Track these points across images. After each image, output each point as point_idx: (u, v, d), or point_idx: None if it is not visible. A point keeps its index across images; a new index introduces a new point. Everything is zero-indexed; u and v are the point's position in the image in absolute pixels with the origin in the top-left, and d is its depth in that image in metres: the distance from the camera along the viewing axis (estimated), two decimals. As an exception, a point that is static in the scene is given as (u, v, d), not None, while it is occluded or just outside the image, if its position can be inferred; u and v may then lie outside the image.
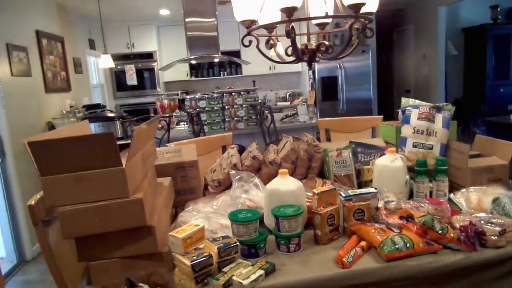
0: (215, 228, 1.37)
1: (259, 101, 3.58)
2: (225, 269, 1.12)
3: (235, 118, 3.57)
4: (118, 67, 5.58)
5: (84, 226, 1.04)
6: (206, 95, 3.50)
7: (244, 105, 3.52)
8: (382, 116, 2.59)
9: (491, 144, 1.76)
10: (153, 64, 5.77)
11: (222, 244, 1.14)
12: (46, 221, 1.27)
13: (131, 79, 5.39)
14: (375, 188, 1.43)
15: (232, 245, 1.15)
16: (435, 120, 1.75)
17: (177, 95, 5.56)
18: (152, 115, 5.70)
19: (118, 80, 5.72)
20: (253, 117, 3.56)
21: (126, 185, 1.06)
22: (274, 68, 6.15)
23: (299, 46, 1.42)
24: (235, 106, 3.53)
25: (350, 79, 5.57)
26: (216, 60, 4.21)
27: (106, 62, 3.90)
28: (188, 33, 3.77)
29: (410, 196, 1.59)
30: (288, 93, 6.36)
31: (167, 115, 3.62)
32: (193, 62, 4.90)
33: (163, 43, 6.01)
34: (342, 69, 5.52)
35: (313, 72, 5.64)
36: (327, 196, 1.34)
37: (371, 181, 1.75)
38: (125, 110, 5.53)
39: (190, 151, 1.81)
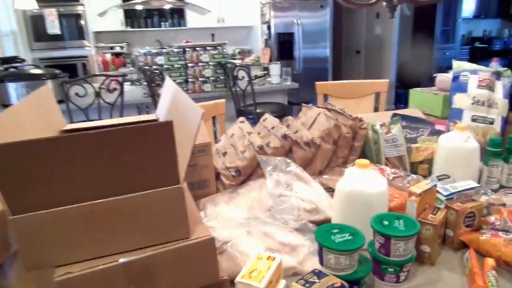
0: (273, 248, 0.93)
1: (227, 58, 3.04)
2: (333, 330, 0.71)
3: (200, 79, 3.00)
4: (34, 10, 4.48)
5: (109, 301, 0.54)
6: (164, 50, 2.85)
7: (210, 63, 2.95)
8: (387, 81, 2.28)
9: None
10: (79, 8, 4.74)
11: (327, 291, 0.72)
12: None
13: (53, 26, 4.37)
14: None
15: (340, 290, 0.73)
16: (495, 89, 1.46)
17: (120, 47, 4.64)
18: (80, 72, 4.78)
19: (34, 28, 4.62)
20: (221, 77, 3.02)
21: (186, 217, 0.57)
22: (223, 21, 5.50)
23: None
24: (200, 64, 2.95)
25: (307, 37, 5.20)
26: (167, 6, 3.50)
27: (25, 0, 2.92)
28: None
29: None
30: (237, 50, 5.79)
31: (111, 73, 2.91)
32: (139, 7, 4.08)
33: (90, -17, 4.94)
34: (299, 25, 5.10)
35: (268, 27, 5.15)
36: (427, 197, 0.98)
37: (420, 162, 1.43)
38: (46, 65, 4.53)
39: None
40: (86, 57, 4.82)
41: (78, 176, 0.50)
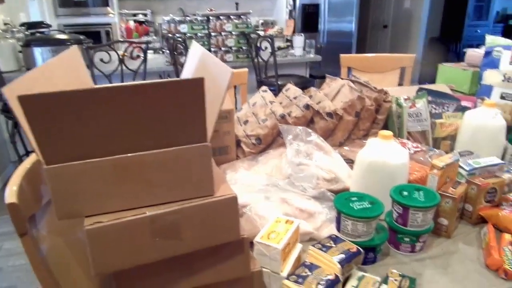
0: (291, 214, 0.95)
1: (251, 29, 3.00)
2: (347, 292, 0.73)
3: (223, 48, 2.98)
4: (58, -25, 4.49)
5: (134, 252, 0.57)
6: (187, 17, 2.83)
7: (234, 33, 2.92)
8: (414, 55, 2.21)
9: None
10: (103, -26, 4.71)
11: (343, 255, 0.74)
12: (30, 219, 0.75)
13: (77, -8, 4.37)
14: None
15: (356, 255, 0.75)
16: (528, 65, 1.40)
17: (144, 15, 4.61)
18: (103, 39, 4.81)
19: (59, -7, 4.64)
20: (243, 48, 2.99)
21: (211, 174, 0.59)
22: (247, -9, 5.39)
23: None
24: (223, 33, 2.92)
25: (333, 9, 5.05)
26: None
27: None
28: None
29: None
30: (260, 21, 5.69)
31: (134, 40, 2.92)
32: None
33: None
34: (326, -3, 4.96)
35: (293, -2, 5.02)
36: (449, 171, 0.97)
37: (443, 138, 1.41)
38: (70, 31, 4.57)
39: (219, 95, 1.31)
40: (109, 24, 4.84)
41: (111, 129, 0.51)
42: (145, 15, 4.73)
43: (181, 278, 0.64)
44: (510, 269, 0.79)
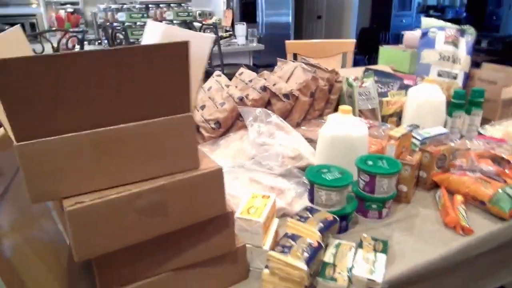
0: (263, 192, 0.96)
1: (192, 16, 2.93)
2: (326, 259, 0.75)
3: (164, 38, 2.88)
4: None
5: (119, 234, 0.54)
6: (125, 5, 2.69)
7: (175, 21, 2.83)
8: (354, 40, 2.32)
9: (502, 72, 1.62)
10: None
11: (322, 224, 0.76)
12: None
13: (-7, -21, 3.94)
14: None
15: (333, 223, 0.78)
16: (459, 45, 1.54)
17: (75, 3, 4.25)
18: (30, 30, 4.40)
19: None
20: (186, 37, 2.91)
21: (196, 147, 0.57)
22: (183, -19, 5.25)
23: None
24: (164, 22, 2.82)
25: (270, 1, 5.12)
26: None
27: None
28: None
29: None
30: (198, 12, 5.59)
31: (67, 29, 2.72)
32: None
33: None
34: (262, -12, 5.00)
35: (230, -11, 4.99)
36: (405, 140, 1.03)
37: (390, 115, 1.50)
38: (-13, 23, 4.12)
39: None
40: (34, 15, 4.44)
41: (88, 100, 0.47)
42: (75, 3, 4.39)
43: (167, 260, 0.61)
44: (466, 225, 0.87)
